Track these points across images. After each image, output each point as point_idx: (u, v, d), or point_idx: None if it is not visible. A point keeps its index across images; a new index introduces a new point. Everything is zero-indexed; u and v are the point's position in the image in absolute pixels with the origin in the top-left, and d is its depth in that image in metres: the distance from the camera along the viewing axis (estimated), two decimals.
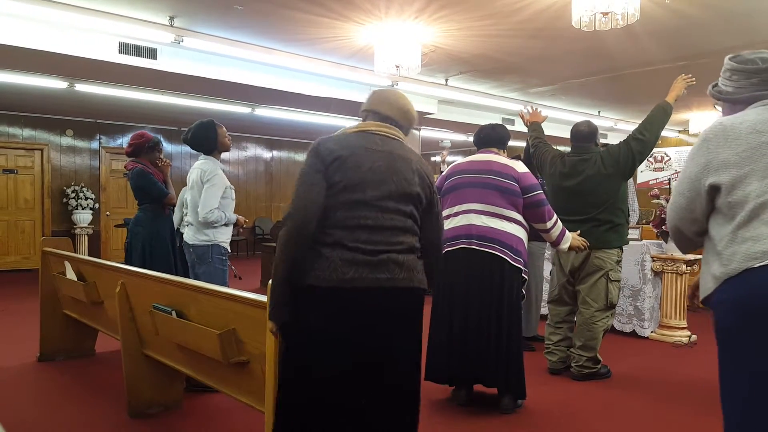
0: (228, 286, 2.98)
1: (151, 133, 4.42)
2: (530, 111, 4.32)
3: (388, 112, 2.02)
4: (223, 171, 3.58)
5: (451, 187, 3.26)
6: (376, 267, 1.81)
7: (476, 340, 3.05)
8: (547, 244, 3.92)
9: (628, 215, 3.90)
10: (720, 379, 1.55)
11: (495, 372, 3.05)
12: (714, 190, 1.56)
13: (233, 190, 3.62)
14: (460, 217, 3.16)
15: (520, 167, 3.20)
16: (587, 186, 3.67)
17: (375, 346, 1.85)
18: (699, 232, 1.66)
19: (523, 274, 3.13)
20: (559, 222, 3.27)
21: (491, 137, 3.38)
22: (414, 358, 2.00)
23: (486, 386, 3.17)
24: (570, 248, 3.35)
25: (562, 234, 3.27)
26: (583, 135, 3.84)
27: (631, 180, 5.22)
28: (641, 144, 3.68)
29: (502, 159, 3.25)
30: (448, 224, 3.14)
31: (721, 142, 1.54)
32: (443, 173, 3.42)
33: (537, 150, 4.07)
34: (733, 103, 1.68)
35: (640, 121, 3.83)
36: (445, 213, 3.19)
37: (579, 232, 3.45)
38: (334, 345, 1.83)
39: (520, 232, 3.14)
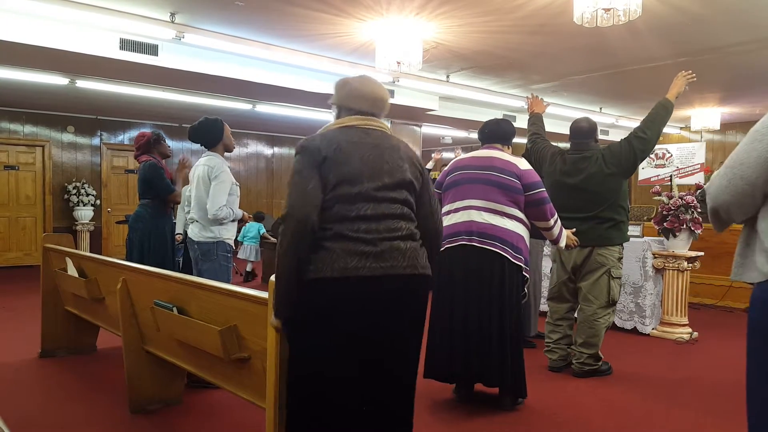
0: (231, 283, 2.99)
1: (153, 129, 4.45)
2: (532, 97, 4.31)
3: (363, 107, 1.98)
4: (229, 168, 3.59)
5: (453, 183, 3.24)
6: (379, 256, 1.81)
7: (477, 338, 3.03)
8: (546, 241, 3.91)
9: (628, 212, 3.90)
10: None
11: (495, 371, 3.02)
12: None
13: (238, 187, 3.63)
14: (460, 214, 3.12)
15: (523, 164, 3.17)
16: (589, 184, 3.67)
17: (382, 336, 1.85)
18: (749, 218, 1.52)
19: (524, 272, 3.10)
20: (559, 221, 3.26)
21: (495, 133, 3.33)
22: (418, 348, 2.01)
23: (486, 385, 3.15)
24: (566, 246, 3.37)
25: (561, 231, 3.28)
26: (584, 132, 3.82)
27: None
28: (643, 142, 3.67)
29: (505, 155, 3.21)
30: (448, 220, 3.12)
31: None
32: (445, 169, 3.40)
33: (535, 145, 4.07)
34: None
35: (641, 118, 3.83)
36: (445, 209, 3.18)
37: (574, 230, 3.47)
38: (341, 337, 1.81)
39: (522, 230, 3.11)
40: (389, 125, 2.10)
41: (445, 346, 3.09)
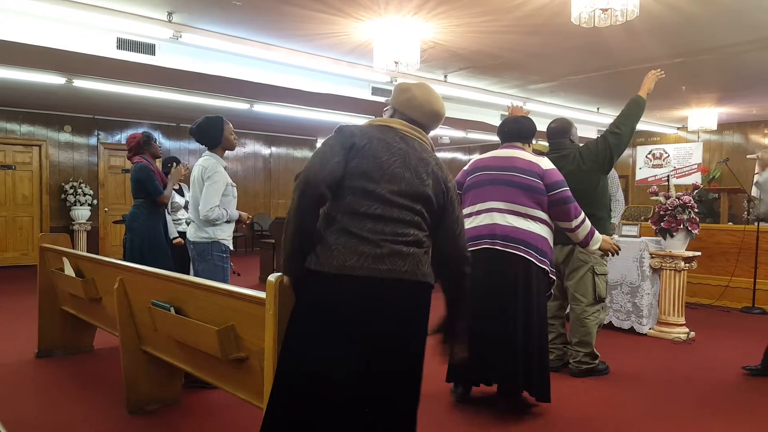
0: (229, 283, 2.98)
1: (150, 129, 4.50)
2: (512, 106, 4.26)
3: (419, 118, 2.03)
4: (225, 168, 3.57)
5: (474, 184, 3.15)
6: (379, 258, 1.76)
7: (501, 341, 2.95)
8: None
9: (610, 208, 3.94)
10: None
11: (520, 373, 2.96)
12: None
13: (235, 188, 3.61)
14: (482, 216, 3.03)
15: (546, 163, 3.09)
16: (569, 181, 3.67)
17: (375, 339, 1.77)
18: None
19: (550, 275, 3.04)
20: (588, 221, 3.14)
21: (515, 131, 3.25)
22: (418, 356, 1.88)
23: (510, 389, 3.06)
24: (600, 249, 3.23)
25: (590, 234, 3.14)
26: (556, 131, 3.89)
27: (615, 173, 5.24)
28: (617, 137, 3.75)
29: (526, 155, 3.12)
30: (470, 223, 3.04)
31: None
32: (464, 168, 3.31)
33: None
34: None
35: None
36: (466, 211, 3.09)
37: (614, 237, 3.40)
38: (332, 334, 1.76)
39: (546, 232, 3.03)
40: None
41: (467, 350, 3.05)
